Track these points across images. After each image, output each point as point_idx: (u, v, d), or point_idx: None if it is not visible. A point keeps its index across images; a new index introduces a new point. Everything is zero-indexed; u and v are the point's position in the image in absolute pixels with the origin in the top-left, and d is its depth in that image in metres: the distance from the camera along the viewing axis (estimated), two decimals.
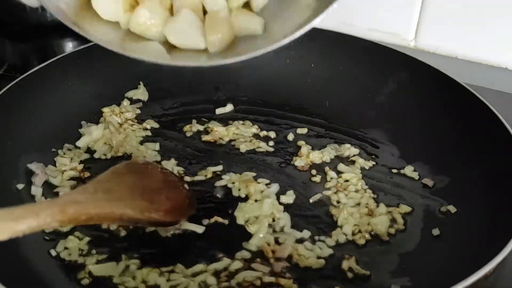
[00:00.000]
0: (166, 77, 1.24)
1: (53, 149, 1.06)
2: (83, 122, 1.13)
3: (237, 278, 0.83)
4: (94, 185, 0.80)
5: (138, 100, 1.21)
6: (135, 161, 0.93)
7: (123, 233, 0.90)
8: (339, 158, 1.08)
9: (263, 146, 1.11)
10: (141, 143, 1.10)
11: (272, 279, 0.83)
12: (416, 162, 1.06)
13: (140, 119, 1.17)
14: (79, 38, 1.44)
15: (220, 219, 0.93)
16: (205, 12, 0.78)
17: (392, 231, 0.92)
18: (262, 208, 0.93)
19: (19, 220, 0.65)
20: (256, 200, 0.96)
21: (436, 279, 0.82)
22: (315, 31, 1.23)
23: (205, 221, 0.92)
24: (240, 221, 0.92)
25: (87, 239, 0.89)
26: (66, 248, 0.87)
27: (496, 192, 0.91)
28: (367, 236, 0.91)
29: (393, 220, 0.94)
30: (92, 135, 1.08)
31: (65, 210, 0.70)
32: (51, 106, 1.10)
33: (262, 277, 0.83)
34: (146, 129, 1.14)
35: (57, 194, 0.97)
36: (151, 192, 0.86)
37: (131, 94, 1.21)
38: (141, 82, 1.22)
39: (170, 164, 1.04)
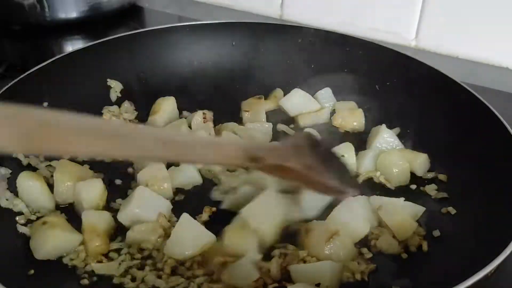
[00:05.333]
0: (165, 77, 1.25)
1: None
2: None
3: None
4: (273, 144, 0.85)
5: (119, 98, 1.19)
6: (309, 135, 0.91)
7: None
8: None
9: None
10: None
11: (275, 284, 0.82)
12: None
13: (140, 119, 1.17)
14: (79, 38, 1.48)
15: None
16: None
17: None
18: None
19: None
20: None
21: (437, 280, 0.82)
22: (315, 31, 1.26)
23: None
24: None
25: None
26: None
27: (496, 193, 0.90)
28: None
29: None
30: None
31: (248, 150, 0.76)
32: (50, 106, 1.09)
33: (265, 281, 0.82)
34: None
35: None
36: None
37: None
38: (109, 80, 1.19)
39: None
